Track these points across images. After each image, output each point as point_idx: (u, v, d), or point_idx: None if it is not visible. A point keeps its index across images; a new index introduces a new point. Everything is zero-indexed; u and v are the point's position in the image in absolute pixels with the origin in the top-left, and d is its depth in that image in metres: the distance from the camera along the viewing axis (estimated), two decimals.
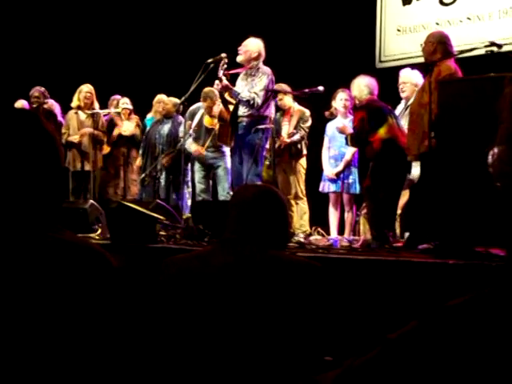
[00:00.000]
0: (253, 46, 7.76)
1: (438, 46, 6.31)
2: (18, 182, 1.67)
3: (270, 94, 7.60)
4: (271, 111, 7.81)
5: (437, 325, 1.33)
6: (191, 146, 8.98)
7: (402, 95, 7.72)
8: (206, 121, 9.01)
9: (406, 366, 1.34)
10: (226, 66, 7.63)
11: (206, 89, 8.90)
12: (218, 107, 8.56)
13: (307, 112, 8.70)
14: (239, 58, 7.76)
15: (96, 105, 9.83)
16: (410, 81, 7.61)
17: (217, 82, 7.73)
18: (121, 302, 1.70)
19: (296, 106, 8.73)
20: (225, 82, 7.62)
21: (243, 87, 7.68)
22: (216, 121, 8.82)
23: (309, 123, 8.69)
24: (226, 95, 7.80)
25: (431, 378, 1.29)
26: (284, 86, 8.36)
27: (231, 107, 7.82)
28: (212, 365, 2.42)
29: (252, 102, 7.46)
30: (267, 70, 7.69)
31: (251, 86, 7.58)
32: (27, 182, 1.68)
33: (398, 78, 7.83)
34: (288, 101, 8.66)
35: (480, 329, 1.27)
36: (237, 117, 7.69)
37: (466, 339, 1.27)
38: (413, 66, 7.82)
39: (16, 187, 1.66)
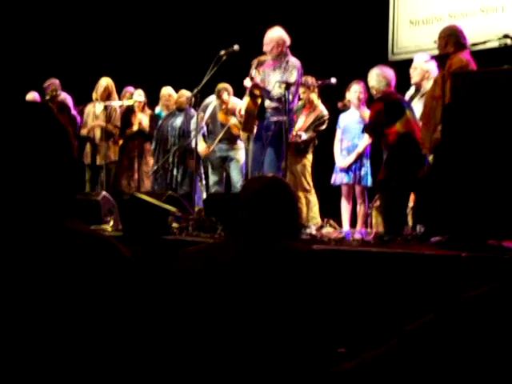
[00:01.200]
0: (275, 37, 7.68)
1: (449, 39, 6.30)
2: (31, 173, 1.67)
3: (293, 88, 7.57)
4: (295, 103, 7.83)
5: (454, 316, 1.32)
6: (199, 144, 8.97)
7: (412, 81, 7.69)
8: (220, 117, 9.01)
9: (424, 357, 1.33)
10: (259, 66, 7.63)
11: (219, 85, 8.90)
12: (243, 101, 8.58)
13: (326, 115, 8.60)
14: (269, 57, 7.71)
15: (115, 97, 9.87)
16: (421, 66, 7.56)
17: (248, 79, 7.71)
18: (132, 293, 1.70)
19: (319, 105, 8.67)
20: (256, 80, 7.61)
21: (270, 77, 7.65)
22: (230, 117, 8.84)
23: (323, 126, 8.61)
24: (257, 92, 7.77)
25: (449, 369, 1.29)
26: (309, 80, 8.34)
27: (259, 100, 7.82)
28: (222, 354, 2.42)
29: (283, 98, 7.43)
30: (297, 62, 7.63)
31: (281, 78, 7.55)
32: (40, 173, 1.68)
33: None
34: (312, 95, 8.61)
35: (497, 320, 1.27)
36: (263, 108, 7.69)
37: (483, 331, 1.27)
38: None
39: (28, 178, 1.67)
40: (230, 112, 8.86)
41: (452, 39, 6.29)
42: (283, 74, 7.56)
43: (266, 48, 7.68)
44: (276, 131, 7.44)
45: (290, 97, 7.43)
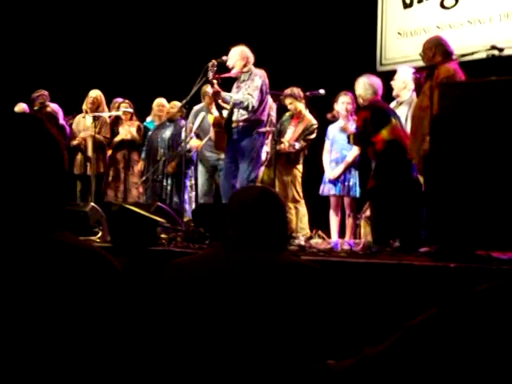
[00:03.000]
0: (237, 55, 7.74)
1: (437, 49, 6.34)
2: (22, 184, 1.67)
3: (265, 98, 7.57)
4: (267, 114, 7.79)
5: (458, 311, 1.32)
6: (191, 142, 8.99)
7: (393, 93, 7.74)
8: (210, 119, 9.01)
9: (427, 352, 1.33)
10: (215, 69, 7.59)
11: (203, 88, 8.93)
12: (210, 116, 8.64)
13: (315, 124, 8.60)
14: (233, 72, 7.74)
15: (104, 109, 9.86)
16: (398, 78, 7.64)
17: (209, 87, 7.73)
18: (123, 305, 1.70)
19: (307, 114, 8.67)
20: (216, 86, 7.60)
21: (236, 91, 7.66)
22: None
23: (313, 135, 8.62)
24: (220, 101, 7.77)
25: (452, 364, 1.29)
26: (295, 90, 8.35)
27: (225, 113, 7.81)
28: (212, 367, 2.42)
29: (246, 103, 7.42)
30: (259, 71, 7.66)
31: (245, 90, 7.56)
32: (30, 184, 1.68)
33: None
34: (299, 105, 8.60)
35: (499, 316, 1.27)
36: (231, 122, 7.68)
37: (486, 326, 1.27)
38: (415, 69, 7.82)
39: (19, 190, 1.67)
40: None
41: (440, 49, 6.33)
42: (245, 85, 7.58)
43: (228, 63, 7.71)
44: (249, 142, 7.45)
45: (254, 101, 7.43)
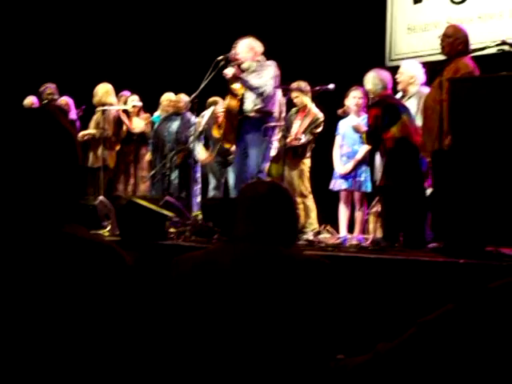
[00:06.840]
0: (244, 48, 7.70)
1: (462, 40, 6.30)
2: (34, 178, 1.68)
3: (280, 90, 7.54)
4: (276, 107, 7.75)
5: (473, 307, 1.31)
6: (200, 153, 9.00)
7: (398, 87, 7.68)
8: (214, 131, 9.02)
9: (444, 347, 1.32)
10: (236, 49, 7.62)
11: (210, 99, 8.94)
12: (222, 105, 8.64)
13: (321, 118, 8.57)
14: (243, 66, 7.69)
15: (113, 102, 9.83)
16: (407, 72, 7.58)
17: (229, 68, 7.67)
18: (132, 298, 1.70)
19: (313, 108, 8.65)
20: (236, 68, 7.57)
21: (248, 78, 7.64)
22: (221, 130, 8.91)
23: (319, 129, 8.59)
24: (234, 85, 7.72)
25: (467, 360, 1.28)
26: (302, 84, 8.33)
27: (239, 98, 7.79)
28: (221, 361, 2.41)
29: (262, 90, 7.38)
30: (272, 62, 7.61)
31: (259, 77, 7.52)
32: (43, 178, 1.69)
33: None
34: (305, 99, 8.59)
35: None
36: (242, 113, 7.65)
37: (502, 322, 1.26)
38: (422, 64, 7.79)
39: (32, 184, 1.67)
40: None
41: (463, 40, 6.29)
42: (258, 74, 7.54)
43: (239, 57, 7.68)
44: (260, 133, 7.42)
45: (268, 90, 7.38)
